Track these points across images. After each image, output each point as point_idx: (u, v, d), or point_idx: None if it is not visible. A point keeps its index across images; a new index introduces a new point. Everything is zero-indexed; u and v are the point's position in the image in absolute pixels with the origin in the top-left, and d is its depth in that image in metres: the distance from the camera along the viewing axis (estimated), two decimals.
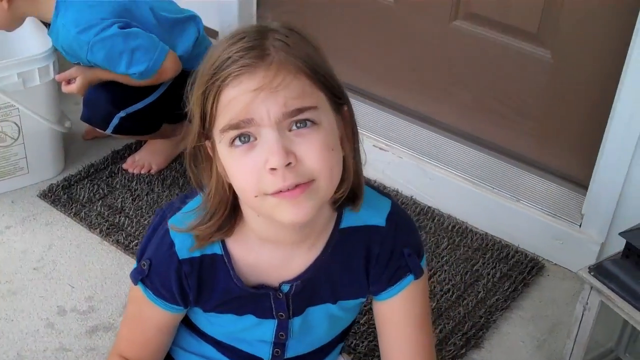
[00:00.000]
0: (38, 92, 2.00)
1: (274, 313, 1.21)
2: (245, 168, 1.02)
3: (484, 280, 1.88)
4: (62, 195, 2.07)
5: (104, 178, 2.14)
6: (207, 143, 1.08)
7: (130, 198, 2.07)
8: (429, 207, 2.09)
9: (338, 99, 1.08)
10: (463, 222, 2.05)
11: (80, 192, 2.08)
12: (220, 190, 1.11)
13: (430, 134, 2.18)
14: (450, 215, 2.07)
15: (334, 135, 1.05)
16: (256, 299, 1.19)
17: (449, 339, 1.72)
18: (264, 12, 2.35)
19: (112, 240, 1.93)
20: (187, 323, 1.29)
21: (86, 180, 2.13)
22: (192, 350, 1.31)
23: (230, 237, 1.16)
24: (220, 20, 2.47)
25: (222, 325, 1.24)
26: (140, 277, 1.20)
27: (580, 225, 1.90)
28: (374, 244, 1.18)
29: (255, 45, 1.01)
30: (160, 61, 1.95)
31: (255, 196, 1.02)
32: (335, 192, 1.09)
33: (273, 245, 1.16)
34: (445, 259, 1.93)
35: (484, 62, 2.05)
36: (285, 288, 1.18)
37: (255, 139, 1.01)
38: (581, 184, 1.98)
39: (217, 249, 1.17)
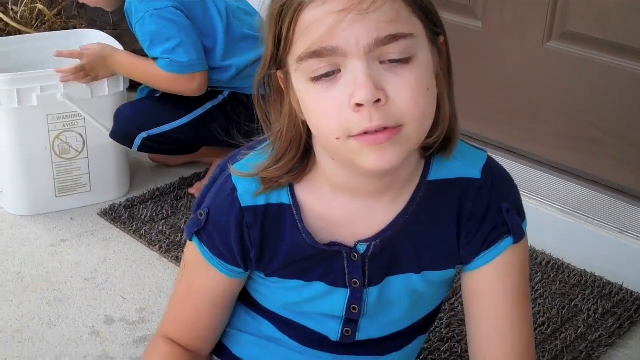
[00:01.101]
0: (106, 103, 1.92)
1: (347, 280, 1.03)
2: (327, 104, 0.87)
3: (584, 315, 1.65)
4: (123, 214, 1.94)
5: (169, 201, 2.02)
6: (279, 73, 0.94)
7: None
8: None
9: (435, 27, 0.93)
10: (558, 258, 1.84)
11: (143, 211, 1.95)
12: (292, 129, 0.96)
13: (521, 166, 2.00)
14: (544, 252, 1.86)
15: (429, 72, 0.90)
16: (327, 260, 1.02)
17: None
18: None
19: (172, 257, 1.78)
20: (243, 298, 1.12)
21: (150, 201, 2.01)
22: (248, 331, 1.13)
23: (299, 183, 1.00)
24: None
25: (285, 294, 1.06)
26: (196, 228, 1.04)
27: None
28: (467, 198, 1.00)
29: None
30: (196, 68, 1.86)
31: (337, 138, 0.87)
32: (428, 137, 0.93)
33: (349, 196, 0.99)
34: (539, 292, 1.71)
35: (581, 84, 1.88)
36: (362, 248, 1.01)
37: (340, 70, 0.86)
38: None
39: (285, 198, 1.00)
